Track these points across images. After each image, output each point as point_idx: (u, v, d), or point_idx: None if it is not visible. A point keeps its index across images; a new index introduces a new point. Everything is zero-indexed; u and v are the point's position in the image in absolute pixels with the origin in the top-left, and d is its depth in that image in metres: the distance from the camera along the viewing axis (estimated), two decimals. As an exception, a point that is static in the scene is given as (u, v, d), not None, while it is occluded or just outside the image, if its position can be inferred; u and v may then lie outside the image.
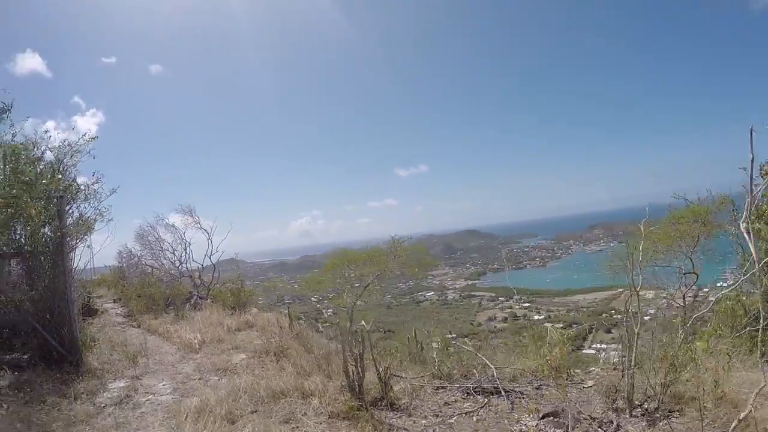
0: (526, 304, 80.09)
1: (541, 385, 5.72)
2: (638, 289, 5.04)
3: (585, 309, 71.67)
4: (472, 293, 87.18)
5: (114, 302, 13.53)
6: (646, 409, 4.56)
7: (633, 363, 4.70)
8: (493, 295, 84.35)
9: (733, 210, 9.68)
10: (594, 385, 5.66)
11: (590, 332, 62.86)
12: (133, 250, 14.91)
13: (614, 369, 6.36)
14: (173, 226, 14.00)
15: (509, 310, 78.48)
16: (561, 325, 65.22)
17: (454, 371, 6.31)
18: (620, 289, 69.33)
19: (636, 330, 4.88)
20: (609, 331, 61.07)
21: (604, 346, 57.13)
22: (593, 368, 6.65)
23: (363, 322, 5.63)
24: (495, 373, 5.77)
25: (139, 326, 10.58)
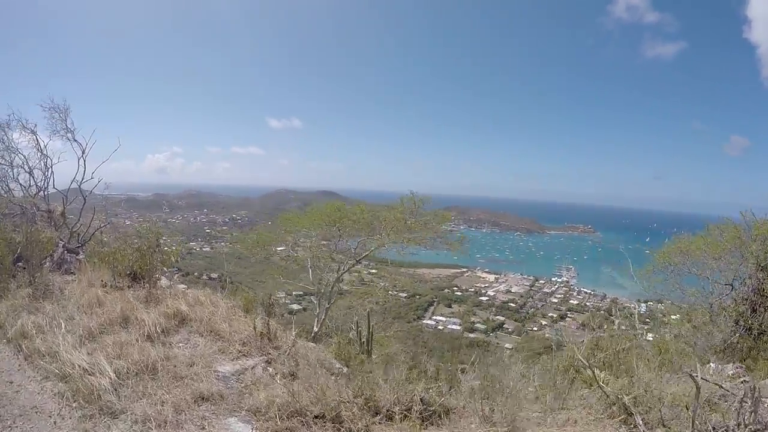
0: (374, 271, 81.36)
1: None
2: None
3: (429, 282, 75.04)
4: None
5: None
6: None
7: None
8: (343, 257, 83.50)
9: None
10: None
11: (432, 305, 65.92)
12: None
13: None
14: (33, 131, 8.31)
15: (356, 274, 78.83)
16: (405, 294, 67.07)
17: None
18: (463, 269, 74.14)
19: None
20: (450, 306, 64.84)
21: (443, 318, 60.25)
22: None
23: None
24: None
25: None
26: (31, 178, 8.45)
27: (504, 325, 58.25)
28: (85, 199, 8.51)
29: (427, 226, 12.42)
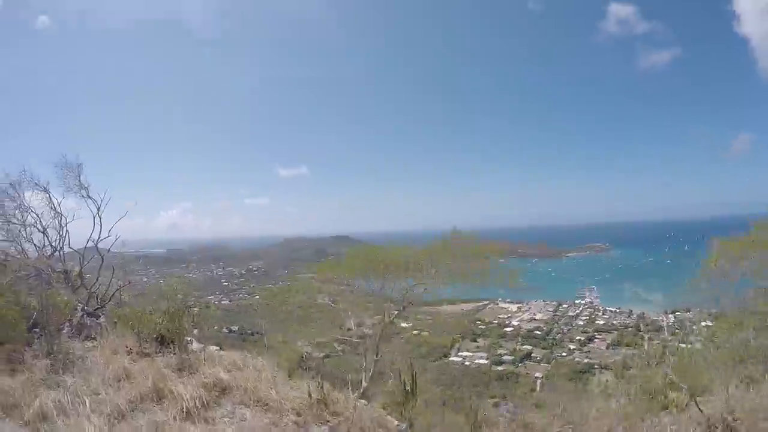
0: (395, 312, 79.46)
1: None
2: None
3: (452, 319, 73.17)
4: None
5: None
6: None
7: None
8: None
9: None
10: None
11: (456, 341, 63.97)
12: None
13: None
14: (45, 189, 7.93)
15: (378, 316, 77.02)
16: (427, 333, 65.37)
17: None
18: (485, 302, 72.56)
19: None
20: (474, 341, 62.92)
21: (469, 354, 58.24)
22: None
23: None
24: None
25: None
26: (45, 237, 7.94)
27: (532, 354, 56.33)
28: (102, 258, 7.93)
29: (478, 261, 11.48)
